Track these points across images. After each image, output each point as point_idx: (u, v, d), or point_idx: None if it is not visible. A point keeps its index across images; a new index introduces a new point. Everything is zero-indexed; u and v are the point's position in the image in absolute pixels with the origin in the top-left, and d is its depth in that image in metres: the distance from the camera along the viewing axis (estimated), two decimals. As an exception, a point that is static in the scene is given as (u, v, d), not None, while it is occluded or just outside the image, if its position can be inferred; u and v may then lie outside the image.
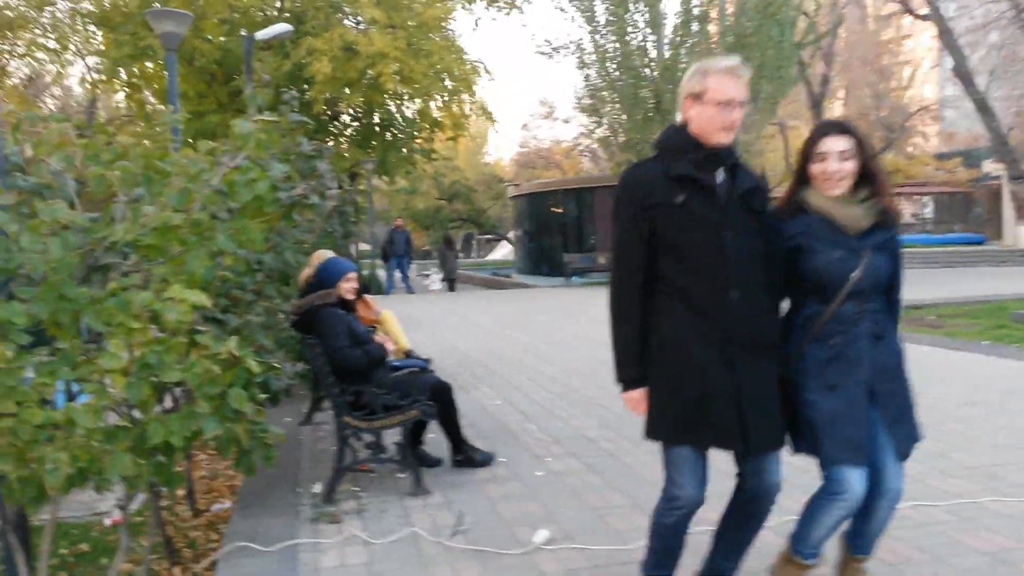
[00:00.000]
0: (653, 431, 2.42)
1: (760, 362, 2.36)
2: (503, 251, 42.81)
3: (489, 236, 45.03)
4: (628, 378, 2.42)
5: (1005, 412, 5.04)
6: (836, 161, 2.38)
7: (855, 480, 2.34)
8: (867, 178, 2.43)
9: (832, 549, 2.63)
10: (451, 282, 21.69)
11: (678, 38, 18.25)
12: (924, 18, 24.18)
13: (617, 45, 18.45)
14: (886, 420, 2.41)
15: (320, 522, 3.51)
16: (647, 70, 18.60)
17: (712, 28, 18.64)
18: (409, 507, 3.66)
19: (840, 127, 2.44)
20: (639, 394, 2.41)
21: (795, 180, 2.51)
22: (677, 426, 2.37)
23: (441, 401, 4.00)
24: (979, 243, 26.87)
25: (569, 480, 3.99)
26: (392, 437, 4.03)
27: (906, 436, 2.44)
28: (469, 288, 23.22)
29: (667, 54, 18.41)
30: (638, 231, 2.35)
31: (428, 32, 18.64)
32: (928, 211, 34.99)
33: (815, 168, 2.42)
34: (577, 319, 11.66)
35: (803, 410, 2.40)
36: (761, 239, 2.40)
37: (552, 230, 24.48)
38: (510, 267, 29.54)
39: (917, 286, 12.00)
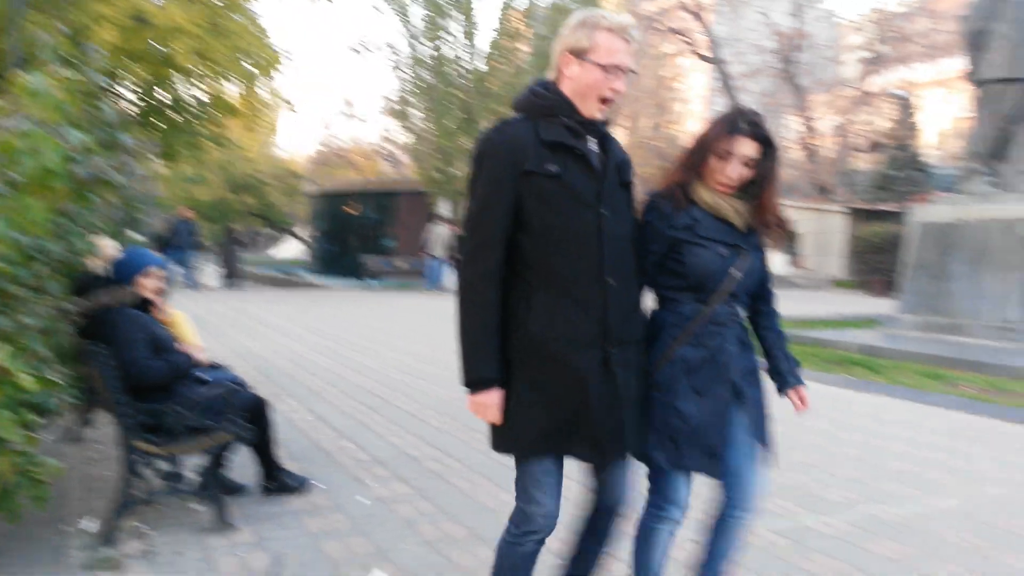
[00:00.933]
0: (511, 442, 2.09)
1: (632, 361, 2.15)
2: (292, 249, 40.92)
3: (276, 232, 42.80)
4: (481, 378, 2.03)
5: (804, 429, 5.37)
6: (738, 166, 2.22)
7: (683, 493, 2.26)
8: (757, 180, 2.26)
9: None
10: (233, 279, 20.17)
11: (492, 52, 18.43)
12: (705, 59, 26.51)
13: (432, 52, 18.26)
14: (749, 425, 2.31)
15: (97, 570, 2.85)
16: (461, 80, 18.58)
17: (524, 48, 19.04)
18: (212, 547, 3.08)
19: (755, 131, 2.21)
20: (494, 397, 2.04)
21: (686, 169, 2.30)
22: (546, 435, 2.06)
23: (257, 421, 3.46)
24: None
25: (399, 508, 3.60)
26: (193, 462, 3.43)
27: (764, 440, 2.35)
28: (255, 286, 21.76)
29: (480, 66, 18.54)
30: (504, 200, 2.02)
31: (232, 10, 17.24)
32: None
33: (715, 163, 2.24)
34: (381, 323, 11.21)
35: (668, 416, 2.21)
36: (631, 220, 2.20)
37: (350, 231, 23.74)
38: (299, 266, 28.28)
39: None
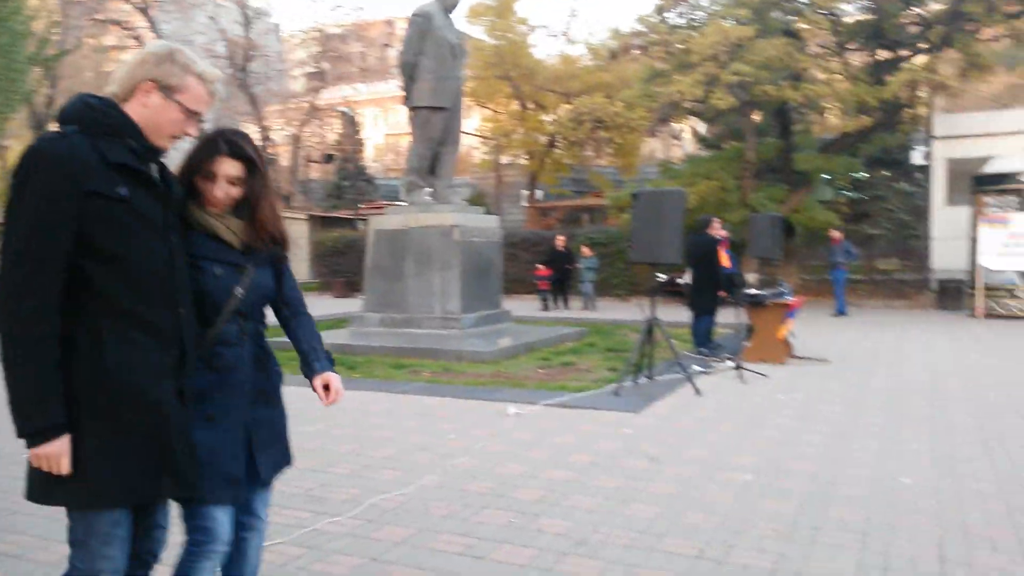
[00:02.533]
0: (83, 495, 1.88)
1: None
2: None
3: None
4: (47, 425, 1.82)
5: (302, 435, 5.57)
6: (224, 186, 2.21)
7: (224, 524, 2.23)
8: (248, 198, 2.27)
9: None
10: None
11: None
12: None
13: None
14: (256, 446, 2.30)
15: None
16: None
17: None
18: None
19: (234, 151, 2.20)
20: (63, 445, 1.83)
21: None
22: (128, 482, 1.91)
23: None
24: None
25: None
26: None
27: (274, 462, 2.38)
28: None
29: None
30: (63, 223, 1.84)
31: None
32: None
33: (201, 184, 2.21)
34: None
35: None
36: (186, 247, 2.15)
37: None
38: None
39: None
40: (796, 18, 16.01)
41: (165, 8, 24.96)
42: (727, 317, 9.93)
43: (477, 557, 3.36)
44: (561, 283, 17.66)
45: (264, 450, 2.33)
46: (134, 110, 2.01)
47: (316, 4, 62.23)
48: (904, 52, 17.07)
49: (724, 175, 17.45)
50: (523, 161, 29.36)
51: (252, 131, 30.21)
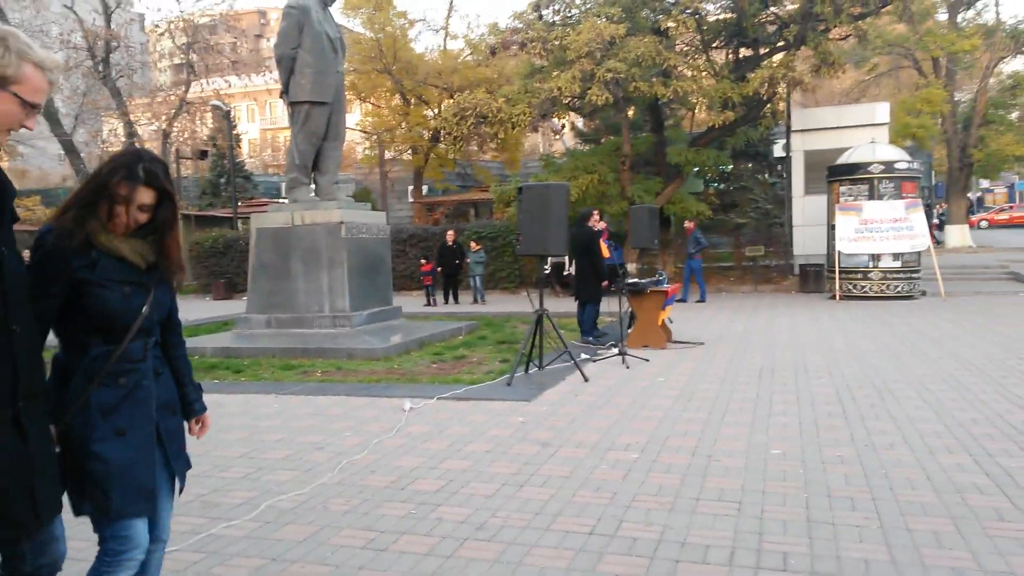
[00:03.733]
0: None
1: (41, 414, 2.00)
2: None
3: None
4: None
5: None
6: (135, 212, 2.21)
7: (141, 531, 2.26)
8: (156, 225, 2.29)
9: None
10: None
11: None
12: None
13: None
14: (168, 457, 2.36)
15: None
16: None
17: None
18: None
19: (152, 181, 2.21)
20: None
21: (81, 208, 2.19)
22: None
23: None
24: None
25: None
26: None
27: (182, 471, 2.45)
28: None
29: None
30: None
31: None
32: None
33: (110, 205, 2.19)
34: None
35: (88, 463, 2.14)
36: (22, 258, 1.99)
37: None
38: None
39: None
40: (664, 17, 16.71)
41: (13, -6, 23.16)
42: (610, 305, 10.33)
43: (379, 549, 3.43)
44: (453, 278, 17.75)
45: (177, 458, 2.40)
46: None
47: (182, -8, 59.26)
48: (763, 50, 18.18)
49: (603, 168, 18.02)
50: (407, 157, 29.20)
51: (115, 125, 28.53)
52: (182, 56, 29.91)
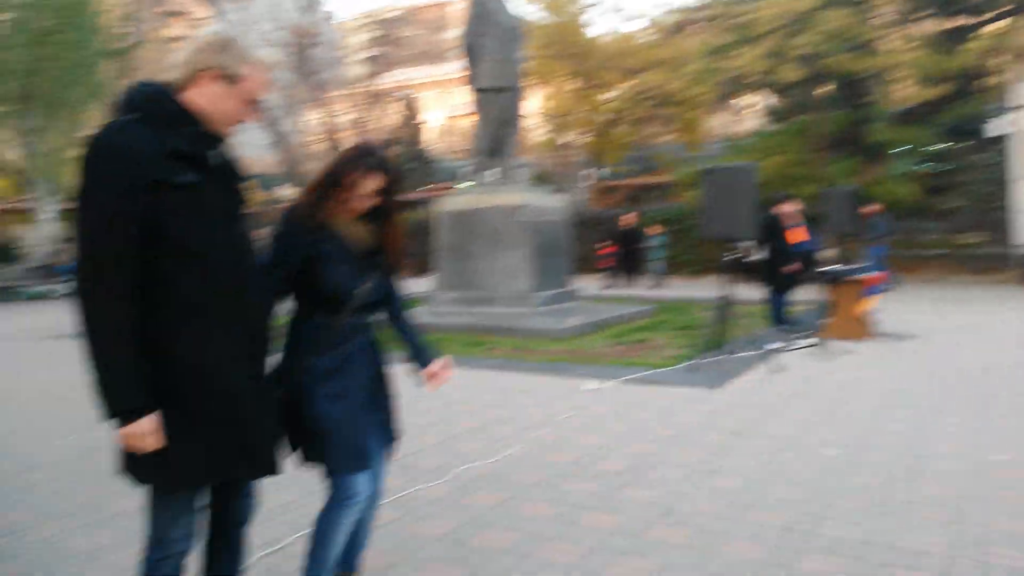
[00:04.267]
0: (156, 478, 1.96)
1: (271, 376, 2.24)
2: None
3: None
4: (133, 406, 1.86)
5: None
6: (364, 198, 2.42)
7: (363, 482, 2.43)
8: (382, 209, 2.48)
9: None
10: None
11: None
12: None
13: None
14: (381, 423, 2.56)
15: None
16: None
17: (3, 17, 16.01)
18: None
19: (383, 166, 2.42)
20: (150, 424, 1.88)
21: (320, 190, 2.42)
22: (206, 464, 1.99)
23: None
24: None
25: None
26: None
27: (392, 438, 2.62)
28: None
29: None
30: (130, 217, 1.85)
31: None
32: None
33: (345, 193, 2.40)
34: None
35: (311, 422, 2.35)
36: (257, 238, 2.23)
37: None
38: None
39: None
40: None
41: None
42: (806, 294, 9.76)
43: (568, 522, 3.45)
44: (631, 261, 17.54)
45: (388, 425, 2.60)
46: (195, 98, 2.01)
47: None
48: (977, 19, 16.30)
49: (794, 149, 17.03)
50: (584, 140, 29.20)
51: (315, 117, 30.79)
52: (372, 49, 31.77)
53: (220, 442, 2.00)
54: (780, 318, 9.47)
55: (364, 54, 33.85)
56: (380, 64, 29.39)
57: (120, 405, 1.86)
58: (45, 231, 21.53)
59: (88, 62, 18.96)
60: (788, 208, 9.63)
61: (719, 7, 16.47)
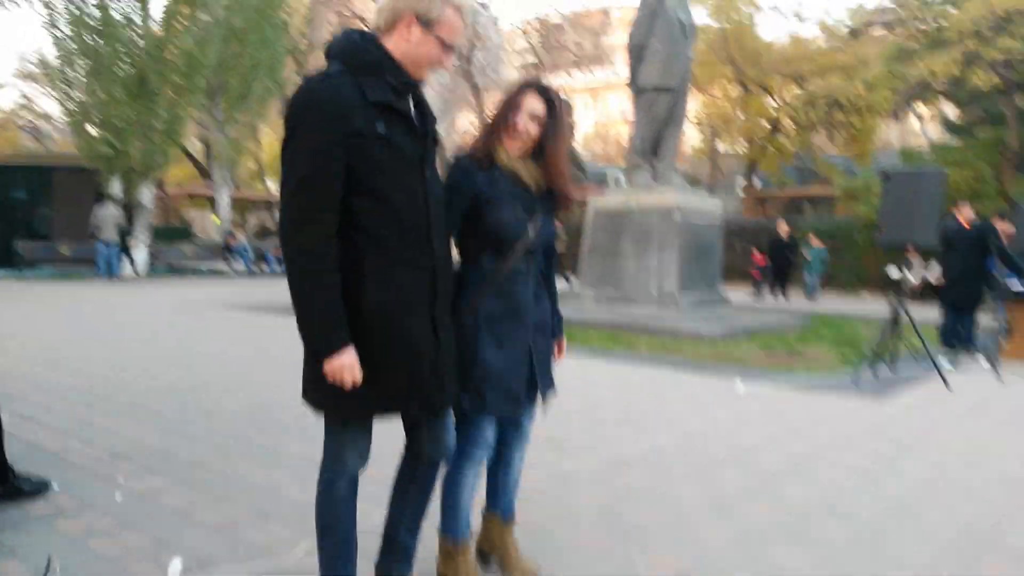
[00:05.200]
0: (347, 405, 2.05)
1: (446, 317, 2.24)
2: None
3: None
4: (338, 342, 1.96)
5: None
6: (525, 118, 2.41)
7: (489, 431, 2.46)
8: (543, 148, 2.46)
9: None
10: None
11: (167, 16, 16.76)
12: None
13: (98, 11, 16.07)
14: (539, 372, 2.52)
15: None
16: (132, 44, 16.60)
17: (205, 16, 17.60)
18: (-62, 569, 2.55)
19: (544, 91, 2.45)
20: (351, 357, 1.97)
21: (490, 130, 2.47)
22: (382, 398, 2.07)
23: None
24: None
25: (165, 500, 3.27)
26: None
27: (549, 386, 2.60)
28: None
29: (155, 29, 16.74)
30: (334, 163, 1.93)
31: None
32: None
33: (506, 116, 2.42)
34: (58, 312, 9.73)
35: (471, 364, 2.37)
36: (441, 181, 2.27)
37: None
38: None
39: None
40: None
41: None
42: (983, 314, 9.01)
43: (723, 508, 3.39)
44: (783, 272, 16.87)
45: (543, 375, 2.57)
46: (395, 44, 2.05)
47: (537, -5, 63.52)
48: None
49: (978, 163, 15.73)
50: (741, 148, 28.32)
51: (472, 118, 31.68)
52: (533, 53, 32.28)
53: (393, 378, 2.06)
54: (957, 337, 8.75)
55: (525, 58, 34.48)
56: (539, 69, 29.80)
57: (326, 341, 1.96)
58: (220, 215, 23.39)
59: (273, 59, 20.35)
60: (1003, 226, 8.88)
61: (907, 11, 15.43)
